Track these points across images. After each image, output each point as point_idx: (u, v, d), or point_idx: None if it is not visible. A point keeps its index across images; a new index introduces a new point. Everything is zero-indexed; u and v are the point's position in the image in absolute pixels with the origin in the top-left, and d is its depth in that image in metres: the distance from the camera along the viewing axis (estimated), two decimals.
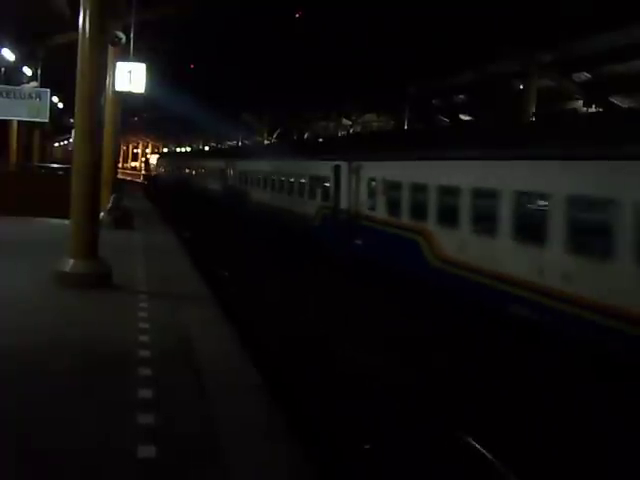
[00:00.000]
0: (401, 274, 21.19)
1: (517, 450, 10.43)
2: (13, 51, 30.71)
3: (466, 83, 39.77)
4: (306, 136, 65.96)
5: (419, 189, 20.54)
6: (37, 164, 52.69)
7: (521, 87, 34.38)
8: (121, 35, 25.14)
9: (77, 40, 16.43)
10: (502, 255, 16.29)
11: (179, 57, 45.92)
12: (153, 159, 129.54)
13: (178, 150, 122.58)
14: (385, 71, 38.67)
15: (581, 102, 35.06)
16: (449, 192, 18.77)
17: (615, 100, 33.08)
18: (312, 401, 12.18)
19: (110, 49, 22.30)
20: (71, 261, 16.19)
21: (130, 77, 25.11)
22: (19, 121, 40.52)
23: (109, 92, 25.93)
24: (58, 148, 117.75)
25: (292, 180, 33.80)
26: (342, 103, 54.08)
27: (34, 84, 34.52)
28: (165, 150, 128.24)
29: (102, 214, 23.29)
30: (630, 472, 9.98)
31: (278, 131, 68.40)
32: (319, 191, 29.48)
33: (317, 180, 29.83)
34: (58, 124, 66.77)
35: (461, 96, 44.57)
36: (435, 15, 28.80)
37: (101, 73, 17.10)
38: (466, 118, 45.65)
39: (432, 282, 19.38)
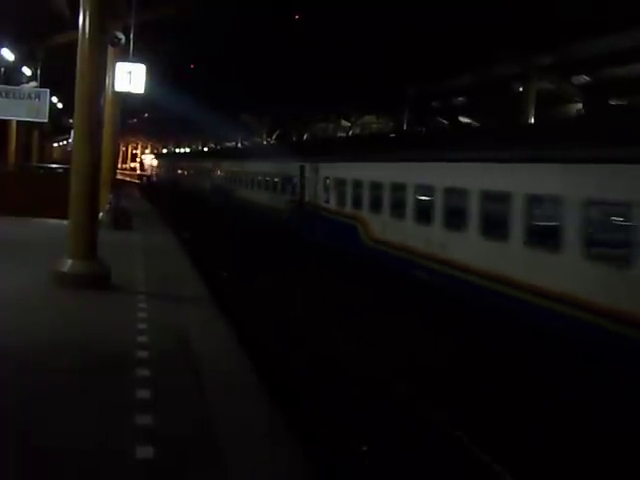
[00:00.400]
0: (347, 252, 26.40)
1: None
2: (13, 51, 30.71)
3: (465, 85, 39.79)
4: (305, 137, 66.00)
5: (357, 185, 26.24)
6: (36, 164, 52.70)
7: (520, 90, 34.40)
8: (121, 35, 25.10)
9: (77, 40, 16.42)
10: (408, 233, 21.78)
11: (179, 58, 45.89)
12: (148, 159, 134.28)
13: (175, 151, 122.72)
14: (384, 73, 38.68)
15: (580, 105, 35.14)
16: (376, 187, 24.45)
17: (615, 103, 33.09)
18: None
19: (110, 49, 22.30)
20: (70, 261, 16.18)
21: (130, 78, 25.10)
22: (18, 121, 40.51)
23: (108, 92, 25.92)
24: (57, 148, 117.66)
25: (267, 178, 40.11)
26: (341, 105, 54.10)
27: (33, 84, 34.51)
28: (164, 151, 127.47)
29: (101, 214, 23.27)
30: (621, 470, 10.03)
31: (277, 132, 68.38)
32: (288, 187, 35.16)
33: (287, 178, 35.57)
34: (57, 124, 66.76)
35: (460, 98, 44.59)
36: (435, 18, 28.80)
37: (100, 73, 17.08)
38: (466, 120, 45.69)
39: (366, 257, 24.70)
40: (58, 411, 8.45)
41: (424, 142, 27.26)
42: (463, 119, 45.80)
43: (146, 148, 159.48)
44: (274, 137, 68.79)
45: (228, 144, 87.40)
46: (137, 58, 26.17)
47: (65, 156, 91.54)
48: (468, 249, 18.19)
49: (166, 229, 33.98)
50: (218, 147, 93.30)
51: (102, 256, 16.76)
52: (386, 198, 23.71)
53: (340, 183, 28.14)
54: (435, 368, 14.20)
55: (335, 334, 16.75)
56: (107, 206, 28.35)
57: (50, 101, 28.55)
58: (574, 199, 14.38)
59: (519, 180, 16.44)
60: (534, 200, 15.87)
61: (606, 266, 13.30)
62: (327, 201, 29.22)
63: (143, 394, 9.17)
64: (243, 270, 25.17)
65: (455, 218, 18.99)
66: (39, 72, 35.34)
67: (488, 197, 17.66)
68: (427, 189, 20.88)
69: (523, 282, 15.55)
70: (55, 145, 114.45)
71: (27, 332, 11.87)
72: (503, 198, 16.86)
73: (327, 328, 17.33)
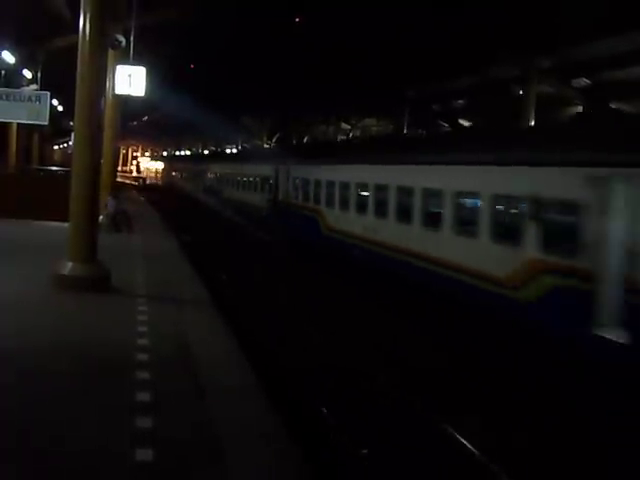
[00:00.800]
0: (310, 241, 30.67)
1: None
2: (13, 54, 30.73)
3: (465, 88, 39.81)
4: (305, 140, 66.03)
5: (317, 184, 30.76)
6: (36, 167, 52.73)
7: (520, 92, 34.41)
8: (121, 38, 25.14)
9: (77, 43, 16.45)
10: (352, 222, 26.25)
11: (179, 60, 45.94)
12: (144, 162, 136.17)
13: (177, 154, 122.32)
14: (384, 75, 38.69)
15: (580, 108, 35.14)
16: (331, 185, 28.89)
17: (615, 106, 33.11)
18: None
19: (110, 52, 22.32)
20: (70, 264, 16.20)
21: (130, 80, 25.14)
22: (19, 124, 40.55)
23: (109, 95, 25.95)
24: (57, 151, 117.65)
25: (251, 179, 45.06)
26: (341, 107, 54.10)
27: (34, 87, 34.56)
28: (164, 154, 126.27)
29: (101, 217, 23.29)
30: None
31: (277, 135, 68.36)
32: (266, 187, 39.95)
33: (265, 179, 40.33)
34: (57, 127, 66.78)
35: (460, 101, 44.60)
36: (435, 20, 28.82)
37: (101, 76, 17.11)
38: (466, 123, 45.71)
39: (325, 244, 28.90)
40: (58, 413, 8.46)
41: (361, 148, 34.75)
42: (463, 122, 45.83)
43: (146, 151, 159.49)
44: (274, 140, 68.73)
45: (228, 147, 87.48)
46: (137, 61, 26.23)
47: (65, 158, 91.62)
48: (389, 231, 23.24)
49: (165, 231, 34.03)
50: (210, 151, 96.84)
51: (102, 259, 16.79)
52: (337, 194, 28.34)
53: (305, 183, 32.89)
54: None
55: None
56: (106, 208, 28.20)
57: (50, 104, 28.57)
58: (448, 192, 19.54)
59: (417, 179, 21.64)
60: (427, 194, 20.90)
61: (464, 238, 18.64)
62: (296, 198, 34.22)
63: (143, 397, 9.19)
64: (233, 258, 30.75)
65: (381, 208, 23.92)
66: (39, 75, 35.38)
67: (401, 192, 22.67)
68: (364, 186, 25.83)
69: (420, 252, 20.76)
70: (55, 147, 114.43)
71: (27, 335, 11.89)
72: (410, 192, 21.80)
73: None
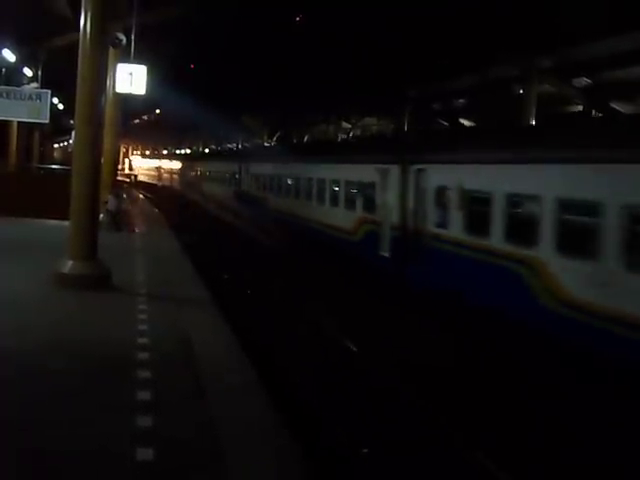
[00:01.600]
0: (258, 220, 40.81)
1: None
2: (14, 52, 30.71)
3: (466, 87, 39.77)
4: (306, 139, 65.96)
5: (270, 177, 39.97)
6: (37, 165, 52.71)
7: (521, 92, 34.37)
8: (122, 37, 25.19)
9: (78, 41, 16.45)
10: (290, 205, 35.10)
11: (180, 59, 45.95)
12: (135, 160, 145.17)
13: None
14: (385, 75, 38.68)
15: (581, 107, 35.11)
16: (271, 177, 39.66)
17: (616, 106, 33.09)
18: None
19: (111, 51, 22.32)
20: (70, 262, 16.21)
21: (131, 79, 25.14)
22: (19, 122, 40.53)
23: (109, 94, 25.95)
24: (58, 149, 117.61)
25: (226, 175, 54.09)
26: (342, 106, 54.05)
27: (34, 85, 34.56)
28: (164, 152, 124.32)
29: (101, 216, 23.28)
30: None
31: (278, 134, 68.25)
32: (233, 181, 50.83)
33: (233, 174, 50.49)
34: (58, 125, 66.71)
35: (461, 100, 44.54)
36: (435, 19, 28.82)
37: (102, 75, 17.14)
38: (467, 123, 45.67)
39: (271, 219, 37.96)
40: (59, 412, 8.46)
41: (291, 150, 43.07)
42: (464, 121, 45.77)
43: (136, 149, 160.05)
44: (275, 139, 68.63)
45: (229, 145, 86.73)
46: (138, 59, 26.23)
47: (65, 157, 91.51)
48: (312, 211, 31.53)
49: (164, 227, 34.06)
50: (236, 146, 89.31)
51: (102, 257, 16.79)
52: (275, 184, 38.74)
53: (258, 176, 43.20)
54: None
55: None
56: (106, 205, 28.09)
57: (51, 102, 28.57)
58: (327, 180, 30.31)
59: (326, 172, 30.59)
60: (333, 183, 29.56)
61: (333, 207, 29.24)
62: (249, 188, 45.01)
63: (144, 395, 9.19)
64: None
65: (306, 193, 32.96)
66: (40, 73, 35.37)
67: (319, 182, 31.20)
68: (292, 178, 35.66)
69: (325, 222, 29.66)
70: (56, 146, 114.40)
71: (27, 333, 11.89)
72: (323, 182, 30.68)
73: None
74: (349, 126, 59.88)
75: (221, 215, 51.19)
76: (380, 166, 23.98)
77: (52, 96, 29.16)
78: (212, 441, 7.99)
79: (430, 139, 26.42)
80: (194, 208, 60.53)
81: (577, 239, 14.51)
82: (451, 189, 18.93)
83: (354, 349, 16.03)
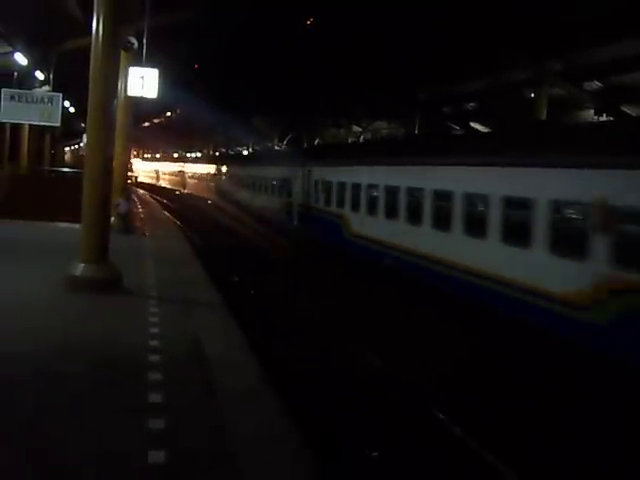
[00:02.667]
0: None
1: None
2: (26, 55, 30.79)
3: (477, 90, 39.74)
4: (317, 142, 66.02)
5: (244, 177, 51.27)
6: (48, 168, 52.85)
7: (532, 95, 34.33)
8: (133, 40, 25.25)
9: (89, 45, 16.49)
10: (258, 199, 46.26)
11: (191, 61, 46.02)
12: (136, 163, 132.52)
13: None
14: (395, 78, 38.67)
15: (592, 111, 35.06)
16: (246, 178, 50.39)
17: (627, 109, 33.03)
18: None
19: (122, 54, 22.38)
20: (82, 265, 16.25)
21: (143, 82, 25.20)
22: (30, 125, 40.62)
23: (121, 97, 26.01)
24: (68, 152, 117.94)
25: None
26: (352, 109, 54.06)
27: (46, 88, 34.65)
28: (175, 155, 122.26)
29: (112, 219, 23.33)
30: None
31: (289, 137, 68.27)
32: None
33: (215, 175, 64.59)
34: (69, 128, 66.90)
35: (472, 104, 44.50)
36: (446, 22, 28.80)
37: (113, 78, 17.15)
38: (477, 126, 45.62)
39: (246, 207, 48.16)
40: (71, 414, 8.49)
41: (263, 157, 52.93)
42: (474, 124, 45.73)
43: (157, 153, 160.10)
44: (285, 142, 68.67)
45: (240, 148, 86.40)
46: (150, 62, 26.31)
47: (76, 160, 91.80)
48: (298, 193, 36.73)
49: (175, 230, 34.10)
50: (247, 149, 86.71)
51: (113, 260, 16.82)
52: (249, 183, 48.21)
53: (244, 177, 51.35)
54: None
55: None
56: (117, 209, 28.13)
57: (62, 105, 28.64)
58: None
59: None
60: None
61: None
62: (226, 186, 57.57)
63: (155, 398, 9.20)
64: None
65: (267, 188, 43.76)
66: (52, 76, 35.47)
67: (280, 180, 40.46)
68: (268, 179, 43.31)
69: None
70: (67, 149, 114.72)
71: (40, 336, 11.94)
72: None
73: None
74: (359, 129, 59.93)
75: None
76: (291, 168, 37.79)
77: (63, 99, 29.22)
78: (223, 443, 8.00)
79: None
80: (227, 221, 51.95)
81: (361, 204, 27.43)
82: (318, 181, 33.00)
83: None
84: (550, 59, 31.55)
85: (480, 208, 18.74)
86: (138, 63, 26.18)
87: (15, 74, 33.72)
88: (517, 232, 16.53)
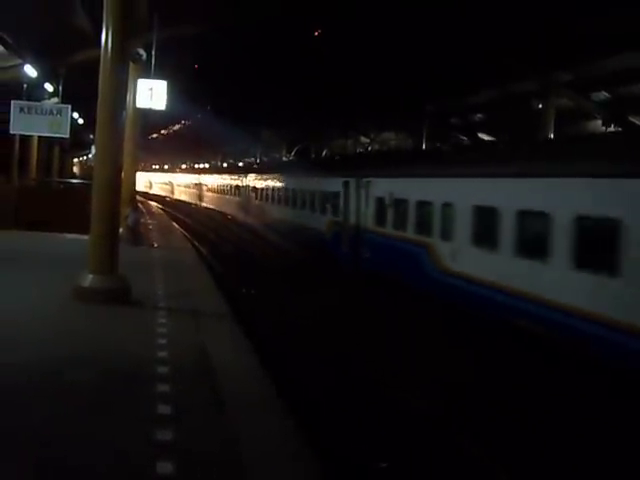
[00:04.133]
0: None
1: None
2: (35, 68, 30.95)
3: (485, 102, 39.79)
4: (324, 154, 66.08)
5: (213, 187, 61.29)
6: (57, 179, 53.04)
7: (540, 106, 34.35)
8: (142, 52, 25.37)
9: (98, 56, 16.57)
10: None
11: (198, 73, 46.13)
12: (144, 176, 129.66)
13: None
14: (403, 89, 38.73)
15: (600, 121, 35.06)
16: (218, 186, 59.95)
17: (635, 120, 33.02)
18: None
19: (131, 66, 22.47)
20: (90, 276, 16.29)
21: (151, 94, 25.33)
22: (39, 136, 40.77)
23: (130, 109, 26.10)
24: (77, 163, 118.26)
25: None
26: (360, 120, 54.17)
27: (55, 100, 34.80)
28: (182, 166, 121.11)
29: (121, 230, 23.39)
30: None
31: (297, 148, 68.38)
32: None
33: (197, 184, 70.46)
34: (77, 139, 67.13)
35: (479, 115, 44.57)
36: (454, 34, 28.84)
37: (122, 90, 17.21)
38: (485, 137, 45.65)
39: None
40: (78, 425, 8.50)
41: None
42: (482, 135, 45.78)
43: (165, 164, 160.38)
44: (293, 153, 68.77)
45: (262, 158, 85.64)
46: (158, 74, 26.43)
47: (85, 171, 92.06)
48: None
49: (184, 241, 34.14)
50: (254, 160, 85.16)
51: (122, 271, 16.86)
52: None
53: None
54: None
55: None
56: (127, 220, 28.24)
57: (71, 116, 28.75)
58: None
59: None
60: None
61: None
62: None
63: (163, 409, 9.22)
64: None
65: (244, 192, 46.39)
66: (61, 88, 35.62)
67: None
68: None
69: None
70: (75, 160, 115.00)
71: (47, 346, 11.98)
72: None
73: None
74: (367, 140, 60.01)
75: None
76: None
77: (72, 110, 29.34)
78: (232, 455, 8.01)
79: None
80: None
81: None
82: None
83: None
84: (558, 70, 31.59)
85: None
86: (147, 75, 26.31)
87: (25, 86, 33.86)
88: None
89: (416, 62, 33.30)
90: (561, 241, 15.22)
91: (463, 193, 19.92)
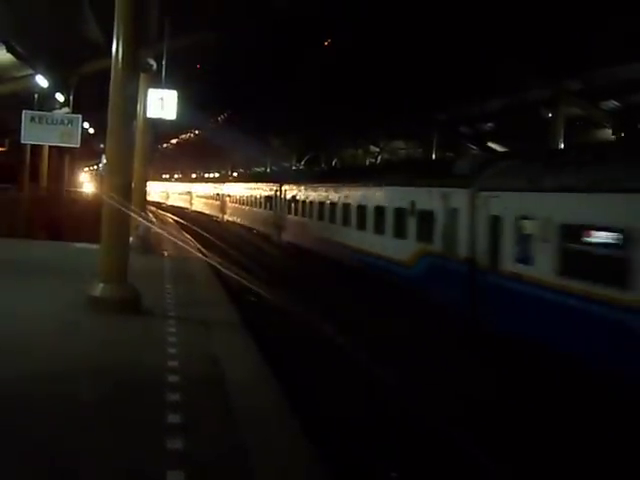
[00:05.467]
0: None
1: None
2: (47, 78, 31.09)
3: (494, 111, 39.76)
4: (334, 163, 66.10)
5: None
6: (67, 188, 53.25)
7: (550, 115, 34.31)
8: (152, 62, 25.51)
9: (109, 66, 16.64)
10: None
11: (209, 82, 46.31)
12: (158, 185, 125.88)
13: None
14: (412, 98, 38.76)
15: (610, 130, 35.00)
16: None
17: None
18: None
19: (142, 76, 22.57)
20: (101, 285, 16.31)
21: (162, 104, 25.44)
22: (50, 146, 40.92)
23: (140, 118, 26.21)
24: (88, 173, 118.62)
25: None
26: (370, 129, 54.19)
27: (66, 110, 34.93)
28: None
29: (131, 239, 23.44)
30: None
31: (307, 157, 68.40)
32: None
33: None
34: (88, 149, 67.32)
35: (489, 124, 44.53)
36: (464, 42, 28.87)
37: (133, 100, 17.28)
38: (495, 146, 45.61)
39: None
40: (90, 435, 8.52)
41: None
42: (492, 144, 45.74)
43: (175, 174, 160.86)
44: (303, 162, 68.77)
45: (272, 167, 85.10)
46: (168, 83, 26.55)
47: (95, 181, 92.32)
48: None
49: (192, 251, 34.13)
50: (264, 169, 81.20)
51: (132, 280, 16.89)
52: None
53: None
54: None
55: None
56: (138, 229, 28.29)
57: (82, 126, 28.86)
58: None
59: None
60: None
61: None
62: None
63: (173, 419, 9.24)
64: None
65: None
66: (72, 98, 35.76)
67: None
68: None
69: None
70: (86, 169, 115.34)
71: (58, 356, 12.01)
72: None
73: None
74: (377, 149, 60.00)
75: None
76: None
77: (83, 120, 29.45)
78: (242, 464, 8.02)
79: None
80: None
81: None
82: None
83: None
84: (568, 78, 31.57)
85: None
86: (157, 85, 26.42)
87: (36, 96, 34.01)
88: None
89: (426, 70, 33.33)
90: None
91: None
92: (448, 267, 20.41)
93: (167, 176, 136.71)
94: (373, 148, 60.93)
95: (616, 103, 33.32)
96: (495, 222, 18.16)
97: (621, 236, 13.49)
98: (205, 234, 52.73)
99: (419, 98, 38.67)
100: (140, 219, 28.61)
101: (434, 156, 46.30)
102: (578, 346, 14.29)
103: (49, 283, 19.81)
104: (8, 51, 28.05)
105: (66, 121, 26.91)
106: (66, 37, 28.68)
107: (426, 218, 22.16)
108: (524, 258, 16.65)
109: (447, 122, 44.71)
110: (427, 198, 22.42)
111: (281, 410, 10.38)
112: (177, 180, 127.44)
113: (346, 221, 30.56)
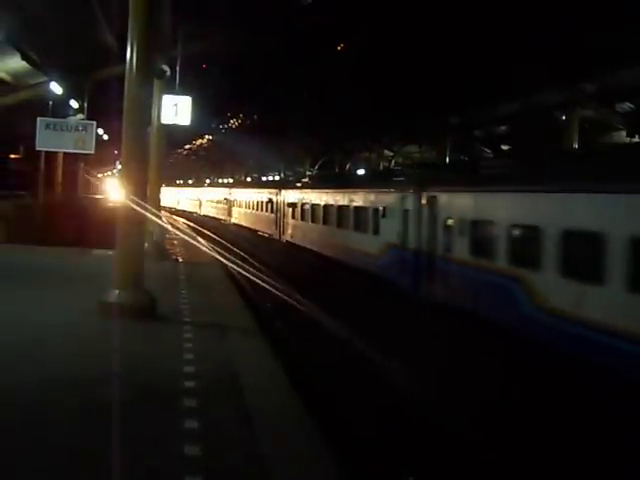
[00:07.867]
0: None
1: None
2: (61, 85, 31.20)
3: (508, 114, 39.63)
4: (348, 167, 65.98)
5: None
6: (82, 195, 53.38)
7: (564, 118, 34.17)
8: (166, 68, 25.54)
9: (123, 73, 16.69)
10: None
11: (223, 88, 46.36)
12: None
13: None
14: (426, 102, 38.68)
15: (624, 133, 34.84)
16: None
17: None
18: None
19: (155, 82, 22.61)
20: (116, 292, 16.32)
21: (176, 110, 25.48)
22: (64, 152, 41.01)
23: (154, 124, 26.25)
24: (102, 179, 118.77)
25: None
26: (384, 134, 54.13)
27: (80, 117, 35.05)
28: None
29: (146, 245, 23.48)
30: None
31: (320, 162, 68.29)
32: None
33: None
34: (102, 155, 67.48)
35: (503, 127, 44.40)
36: (478, 45, 28.79)
37: (147, 107, 17.30)
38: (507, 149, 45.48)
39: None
40: (106, 440, 8.50)
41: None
42: (505, 147, 45.62)
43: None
44: (317, 167, 68.71)
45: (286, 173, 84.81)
46: (182, 89, 26.61)
47: (111, 187, 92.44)
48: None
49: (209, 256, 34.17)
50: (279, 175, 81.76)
51: (148, 286, 16.90)
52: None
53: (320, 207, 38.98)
54: None
55: None
56: (153, 235, 28.35)
57: (96, 133, 28.94)
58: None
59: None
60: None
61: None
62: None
63: (190, 424, 9.21)
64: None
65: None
66: (86, 104, 35.89)
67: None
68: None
69: None
70: (100, 176, 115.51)
71: (74, 362, 12.04)
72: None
73: None
74: (391, 154, 59.88)
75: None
76: None
77: (97, 127, 29.53)
78: (259, 470, 7.99)
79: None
80: None
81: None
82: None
83: None
84: (582, 81, 31.43)
85: None
86: (171, 91, 26.46)
87: (50, 103, 34.13)
88: None
89: (440, 73, 33.27)
90: None
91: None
92: (404, 256, 25.93)
93: (180, 182, 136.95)
94: (387, 152, 60.80)
95: (631, 105, 33.17)
96: (432, 219, 23.84)
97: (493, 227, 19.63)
98: (214, 235, 59.91)
99: (433, 101, 38.59)
100: (160, 222, 28.76)
101: (447, 160, 46.10)
102: (483, 309, 19.31)
103: (64, 290, 19.87)
104: (23, 59, 28.16)
105: (80, 127, 27.04)
106: (80, 44, 28.75)
107: (392, 217, 27.62)
108: (450, 246, 22.18)
109: (461, 125, 44.58)
110: (392, 201, 27.93)
111: (299, 417, 10.34)
112: (189, 186, 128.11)
113: (326, 221, 37.27)
